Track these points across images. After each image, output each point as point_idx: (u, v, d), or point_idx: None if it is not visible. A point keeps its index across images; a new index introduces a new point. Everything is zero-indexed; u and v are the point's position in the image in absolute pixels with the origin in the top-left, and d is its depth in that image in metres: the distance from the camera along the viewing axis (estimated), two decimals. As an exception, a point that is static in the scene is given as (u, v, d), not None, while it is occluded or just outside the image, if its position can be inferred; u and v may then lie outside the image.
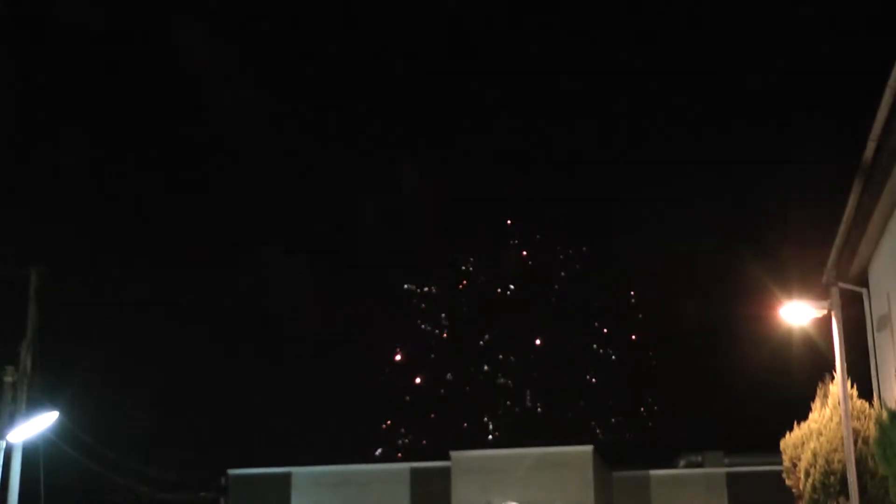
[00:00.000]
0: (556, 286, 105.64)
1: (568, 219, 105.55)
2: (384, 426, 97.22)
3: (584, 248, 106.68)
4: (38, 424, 24.71)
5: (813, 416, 19.63)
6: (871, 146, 14.27)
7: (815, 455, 18.30)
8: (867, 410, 17.91)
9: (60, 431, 27.25)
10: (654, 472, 35.54)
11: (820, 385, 19.85)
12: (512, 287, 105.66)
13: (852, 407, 17.93)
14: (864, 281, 18.78)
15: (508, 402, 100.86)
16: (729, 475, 34.85)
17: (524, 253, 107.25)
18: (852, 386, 18.40)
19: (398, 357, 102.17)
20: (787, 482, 20.34)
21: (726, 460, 36.83)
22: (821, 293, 18.99)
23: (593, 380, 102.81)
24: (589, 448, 32.98)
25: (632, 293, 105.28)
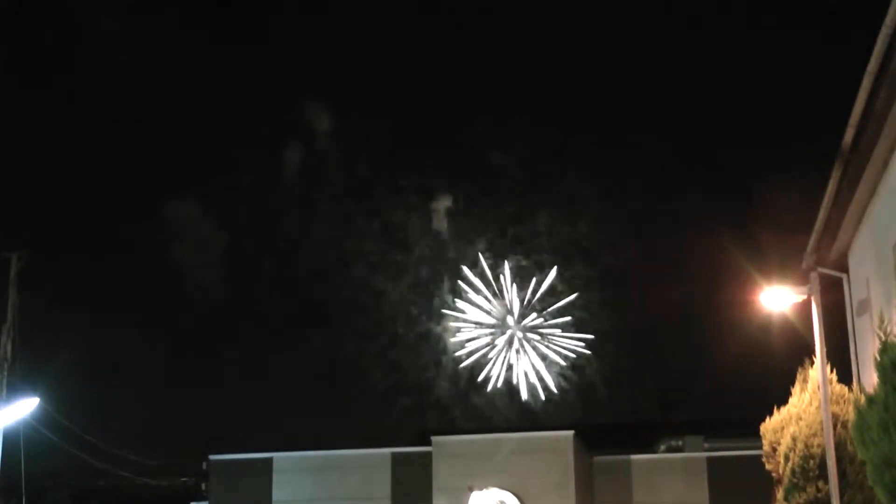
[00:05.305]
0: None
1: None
2: (365, 410, 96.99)
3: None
4: (18, 410, 24.67)
5: (792, 400, 19.74)
6: (850, 131, 14.30)
7: (794, 439, 18.42)
8: (846, 395, 18.01)
9: (41, 417, 27.19)
10: (634, 457, 35.71)
11: (799, 370, 19.96)
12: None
13: (831, 391, 18.04)
14: (843, 266, 18.87)
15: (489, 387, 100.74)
16: (709, 459, 35.05)
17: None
18: (832, 371, 18.52)
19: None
20: (767, 466, 20.47)
21: (706, 445, 37.07)
22: (800, 278, 19.08)
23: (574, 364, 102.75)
24: (569, 433, 33.08)
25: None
